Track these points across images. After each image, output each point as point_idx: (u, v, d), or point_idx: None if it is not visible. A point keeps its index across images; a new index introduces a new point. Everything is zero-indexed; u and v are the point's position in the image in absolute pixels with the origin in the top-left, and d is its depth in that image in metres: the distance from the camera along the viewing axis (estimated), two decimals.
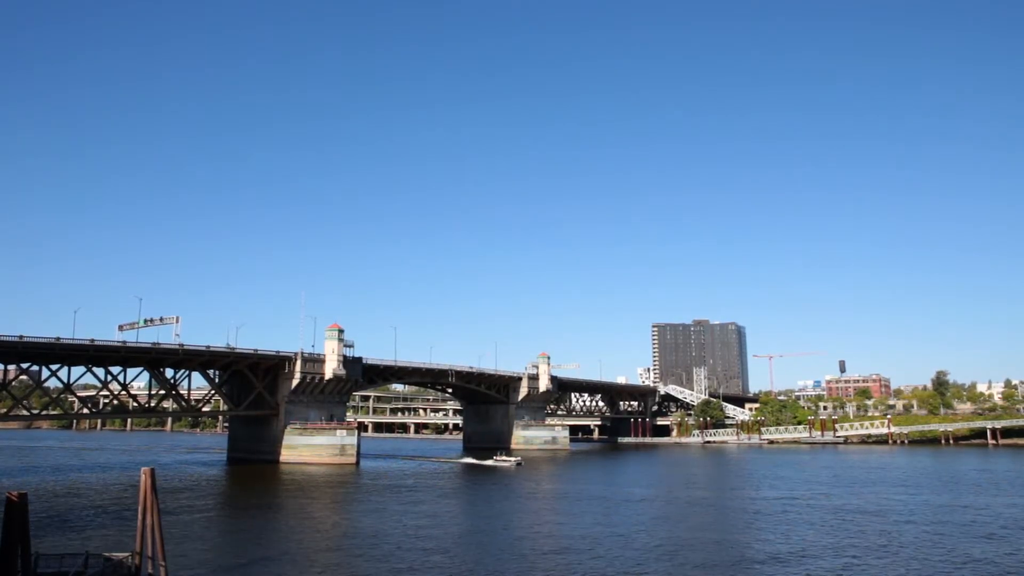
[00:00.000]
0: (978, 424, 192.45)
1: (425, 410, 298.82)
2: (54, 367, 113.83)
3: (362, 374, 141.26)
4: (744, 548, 48.49)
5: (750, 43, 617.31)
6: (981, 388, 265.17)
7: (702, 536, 53.75)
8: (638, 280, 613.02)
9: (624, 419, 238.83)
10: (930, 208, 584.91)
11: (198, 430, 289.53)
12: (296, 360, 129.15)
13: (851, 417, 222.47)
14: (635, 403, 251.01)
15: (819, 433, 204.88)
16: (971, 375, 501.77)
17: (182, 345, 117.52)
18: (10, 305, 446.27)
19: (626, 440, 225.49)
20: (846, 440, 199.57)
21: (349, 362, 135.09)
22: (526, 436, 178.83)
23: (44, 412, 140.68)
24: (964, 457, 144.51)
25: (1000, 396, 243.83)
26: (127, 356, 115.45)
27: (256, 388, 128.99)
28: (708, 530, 56.71)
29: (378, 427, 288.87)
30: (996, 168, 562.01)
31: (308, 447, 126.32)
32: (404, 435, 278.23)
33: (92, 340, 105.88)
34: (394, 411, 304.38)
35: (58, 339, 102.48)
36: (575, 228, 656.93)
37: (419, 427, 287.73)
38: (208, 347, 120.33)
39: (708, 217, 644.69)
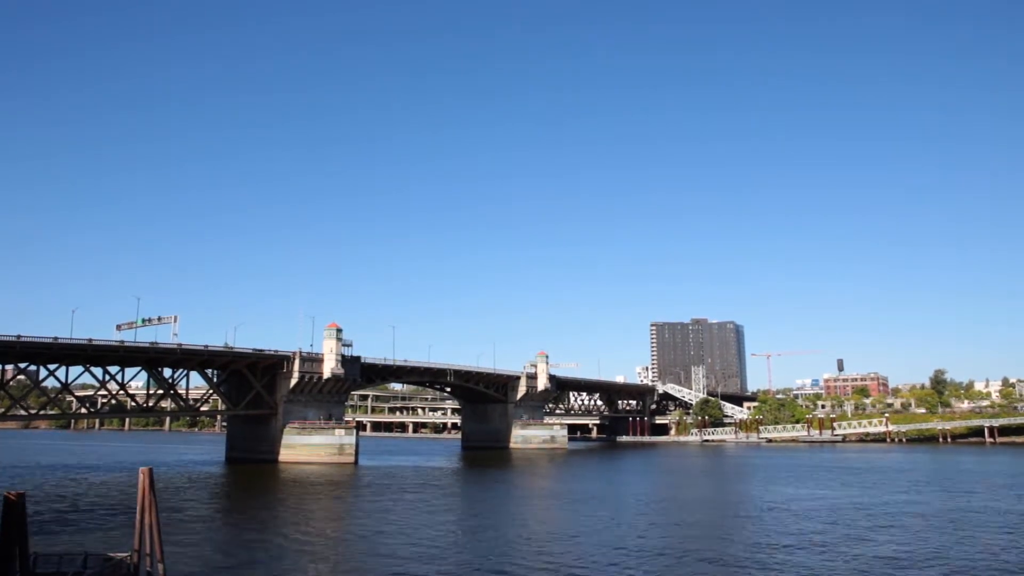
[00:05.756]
0: (976, 422, 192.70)
1: (423, 409, 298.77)
2: (52, 367, 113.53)
3: (360, 373, 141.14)
4: (754, 548, 48.53)
5: (749, 41, 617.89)
6: (979, 387, 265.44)
7: (709, 537, 53.79)
8: (636, 279, 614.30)
9: (622, 418, 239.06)
10: (928, 206, 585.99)
11: (196, 430, 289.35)
12: (294, 359, 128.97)
13: (849, 416, 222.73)
14: (633, 402, 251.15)
15: (817, 432, 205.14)
16: (969, 374, 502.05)
17: (180, 345, 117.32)
18: (8, 304, 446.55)
19: (624, 439, 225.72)
20: (844, 439, 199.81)
21: (347, 361, 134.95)
22: (524, 435, 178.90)
23: (42, 412, 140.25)
24: (963, 455, 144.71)
25: (998, 395, 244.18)
26: (125, 356, 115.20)
27: (254, 388, 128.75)
28: (714, 532, 56.74)
29: (376, 426, 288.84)
30: (994, 166, 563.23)
31: (307, 446, 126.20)
32: (402, 434, 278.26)
33: (90, 340, 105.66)
34: (392, 410, 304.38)
35: (56, 339, 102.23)
36: (573, 227, 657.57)
37: (417, 426, 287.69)
38: (206, 347, 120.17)
39: (706, 216, 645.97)
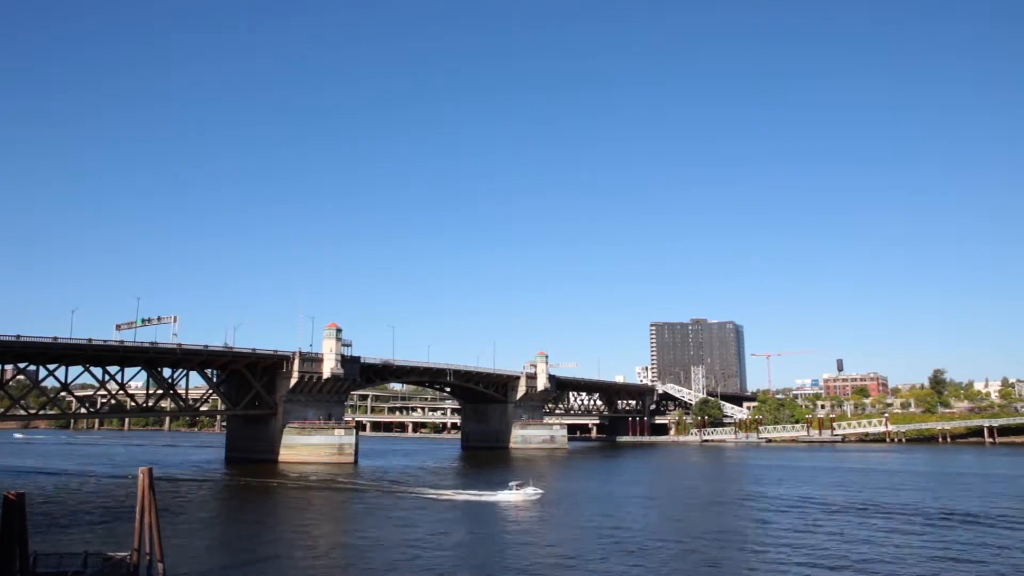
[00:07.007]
0: (975, 422, 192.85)
1: (423, 409, 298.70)
2: (52, 367, 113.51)
3: (360, 373, 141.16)
4: (757, 549, 48.56)
5: (748, 40, 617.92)
6: (978, 387, 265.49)
7: (711, 538, 53.83)
8: (636, 279, 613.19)
9: (622, 418, 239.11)
10: (927, 206, 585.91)
11: (196, 429, 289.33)
12: (294, 359, 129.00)
13: (849, 416, 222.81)
14: (633, 402, 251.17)
15: (817, 432, 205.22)
16: (968, 373, 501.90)
17: (180, 345, 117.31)
18: (8, 304, 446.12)
19: (624, 439, 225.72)
20: (844, 439, 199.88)
21: (347, 361, 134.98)
22: (524, 435, 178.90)
23: (42, 412, 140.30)
24: (963, 455, 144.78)
25: (997, 394, 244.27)
26: (125, 356, 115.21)
27: (254, 388, 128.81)
28: (714, 534, 56.77)
29: (376, 426, 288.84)
30: (995, 165, 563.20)
31: (306, 446, 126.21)
32: (402, 434, 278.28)
33: (90, 340, 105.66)
34: (392, 410, 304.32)
35: (55, 339, 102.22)
36: (573, 226, 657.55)
37: (417, 426, 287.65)
38: (206, 347, 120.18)
39: (706, 215, 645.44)
